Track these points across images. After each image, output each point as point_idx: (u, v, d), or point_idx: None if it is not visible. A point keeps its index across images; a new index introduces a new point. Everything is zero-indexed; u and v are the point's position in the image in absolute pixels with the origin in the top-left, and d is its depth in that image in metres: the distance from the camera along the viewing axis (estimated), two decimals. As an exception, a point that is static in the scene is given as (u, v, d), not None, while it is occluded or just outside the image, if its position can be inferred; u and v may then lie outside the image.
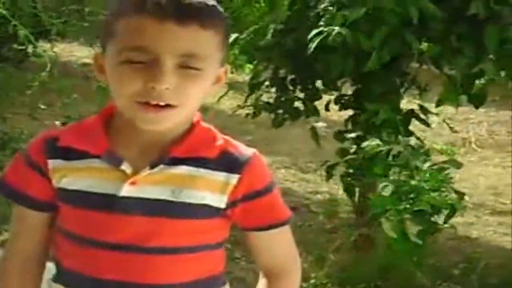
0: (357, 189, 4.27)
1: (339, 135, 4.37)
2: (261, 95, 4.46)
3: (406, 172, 3.58)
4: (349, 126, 4.31)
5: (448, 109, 5.25)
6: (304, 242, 4.49)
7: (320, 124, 4.68)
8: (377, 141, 3.66)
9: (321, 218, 5.04)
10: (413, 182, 3.49)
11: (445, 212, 3.45)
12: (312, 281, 4.05)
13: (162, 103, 1.43)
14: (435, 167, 3.59)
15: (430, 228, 3.46)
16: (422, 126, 4.30)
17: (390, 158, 3.60)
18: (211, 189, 1.51)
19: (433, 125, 4.14)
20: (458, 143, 7.14)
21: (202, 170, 1.51)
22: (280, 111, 4.42)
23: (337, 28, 3.54)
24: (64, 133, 1.56)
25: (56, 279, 1.59)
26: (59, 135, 1.54)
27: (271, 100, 4.48)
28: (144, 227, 1.49)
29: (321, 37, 3.56)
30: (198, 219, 1.51)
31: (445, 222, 3.50)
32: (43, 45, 7.16)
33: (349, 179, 4.15)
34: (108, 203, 1.49)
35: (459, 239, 4.79)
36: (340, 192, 4.96)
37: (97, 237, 1.50)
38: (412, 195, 3.40)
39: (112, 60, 1.45)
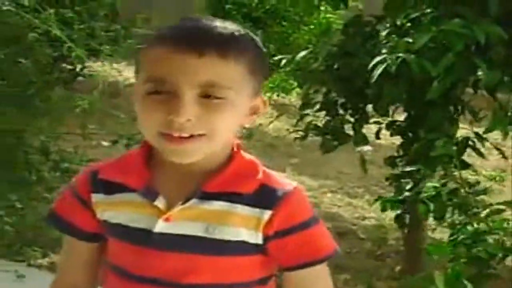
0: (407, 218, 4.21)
1: (390, 161, 4.31)
2: (311, 120, 4.42)
3: (462, 213, 3.51)
4: (401, 152, 4.26)
5: (497, 134, 5.17)
6: (351, 268, 4.45)
7: (366, 148, 4.63)
8: (435, 183, 3.59)
9: (369, 245, 4.97)
10: (470, 227, 3.41)
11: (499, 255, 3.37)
12: (361, 308, 4.00)
13: (185, 135, 1.41)
14: (492, 208, 3.51)
15: (487, 275, 3.38)
16: (469, 151, 4.22)
17: (445, 196, 3.52)
18: (246, 225, 1.47)
19: (481, 150, 4.05)
20: (508, 168, 7.03)
21: (236, 206, 1.46)
22: (329, 136, 4.38)
23: (401, 55, 3.49)
24: (105, 167, 1.56)
25: None
26: (101, 169, 1.55)
27: (320, 124, 4.44)
28: (180, 263, 1.47)
29: (385, 64, 3.51)
30: (234, 255, 1.48)
31: (495, 268, 3.41)
32: (92, 65, 7.26)
33: (399, 211, 4.09)
34: (144, 238, 1.48)
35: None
36: (388, 218, 4.90)
37: (136, 271, 1.50)
38: (468, 241, 3.32)
39: (138, 90, 1.45)
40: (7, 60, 3.81)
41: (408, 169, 3.92)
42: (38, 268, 4.08)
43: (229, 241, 1.46)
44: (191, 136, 1.41)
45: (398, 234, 4.71)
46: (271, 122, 4.57)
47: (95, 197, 1.53)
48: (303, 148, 6.53)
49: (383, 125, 4.36)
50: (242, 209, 1.46)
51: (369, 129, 4.49)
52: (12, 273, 3.73)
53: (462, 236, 3.33)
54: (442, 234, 5.24)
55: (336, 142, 4.38)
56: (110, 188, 1.52)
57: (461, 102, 4.06)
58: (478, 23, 3.42)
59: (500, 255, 3.33)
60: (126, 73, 8.70)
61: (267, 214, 1.46)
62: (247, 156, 1.53)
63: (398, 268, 4.52)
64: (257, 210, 1.46)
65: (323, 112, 4.50)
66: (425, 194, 3.53)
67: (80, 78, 7.52)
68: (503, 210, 3.52)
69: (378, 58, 3.59)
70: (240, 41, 1.45)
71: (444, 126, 3.85)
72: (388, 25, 3.85)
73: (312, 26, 7.36)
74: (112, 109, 5.90)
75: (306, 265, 1.51)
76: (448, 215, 3.51)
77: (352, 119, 4.37)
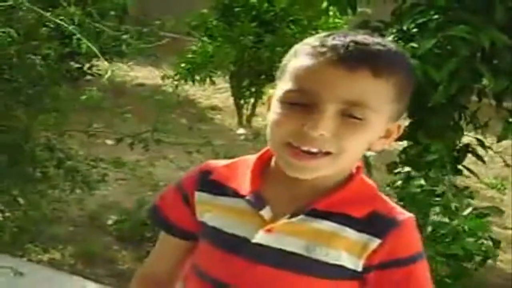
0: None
1: (392, 167, 4.31)
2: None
3: (446, 213, 3.51)
4: (403, 158, 4.26)
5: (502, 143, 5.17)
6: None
7: (369, 153, 4.62)
8: (422, 181, 3.59)
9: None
10: (453, 223, 3.42)
11: (478, 258, 3.37)
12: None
13: (313, 150, 1.36)
14: (475, 211, 3.52)
15: (461, 274, 3.39)
16: (473, 159, 4.22)
17: (433, 197, 3.52)
18: (348, 250, 1.41)
19: (484, 158, 4.05)
20: (510, 177, 7.01)
21: (345, 229, 1.41)
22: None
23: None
24: (219, 168, 1.53)
25: None
26: (214, 169, 1.53)
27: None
28: (268, 277, 1.42)
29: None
30: (328, 279, 1.42)
31: (475, 269, 3.42)
32: (99, 64, 7.27)
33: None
34: (239, 246, 1.44)
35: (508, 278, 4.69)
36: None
37: (222, 278, 1.46)
38: (448, 239, 3.33)
39: (276, 98, 1.41)
40: (18, 56, 3.82)
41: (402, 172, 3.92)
42: (38, 264, 4.10)
43: (327, 263, 1.41)
44: (318, 153, 1.36)
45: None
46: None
47: (200, 195, 1.52)
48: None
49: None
50: (350, 233, 1.41)
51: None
52: (12, 269, 3.74)
53: (442, 232, 3.34)
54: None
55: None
56: (218, 189, 1.50)
57: (467, 110, 4.06)
58: (484, 30, 3.42)
59: (480, 257, 3.34)
60: (133, 73, 8.74)
61: (376, 242, 1.40)
62: (367, 180, 1.48)
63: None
64: (366, 236, 1.41)
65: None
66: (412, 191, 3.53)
67: (87, 77, 7.55)
68: (487, 214, 3.52)
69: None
70: (394, 60, 1.40)
71: (446, 133, 3.84)
72: (394, 30, 3.85)
73: (320, 31, 7.40)
74: (118, 108, 5.91)
75: None
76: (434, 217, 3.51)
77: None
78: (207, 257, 1.50)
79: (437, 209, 3.53)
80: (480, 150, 4.10)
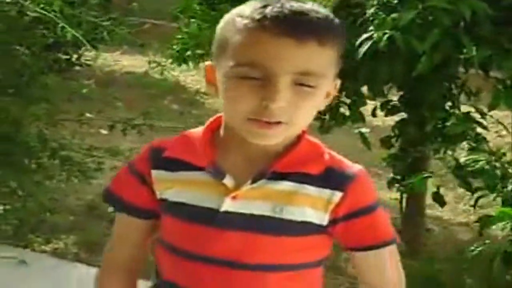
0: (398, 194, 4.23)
1: (386, 142, 4.34)
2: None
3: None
4: (396, 132, 4.29)
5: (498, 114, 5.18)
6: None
7: (363, 130, 4.64)
8: (481, 156, 3.62)
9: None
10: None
11: None
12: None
13: (273, 121, 1.40)
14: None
15: None
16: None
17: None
18: (313, 206, 1.46)
19: (478, 130, 4.06)
20: (504, 147, 7.04)
21: (304, 186, 1.46)
22: (326, 117, 4.40)
23: (388, 32, 3.50)
24: (170, 144, 1.55)
25: None
26: (165, 146, 1.55)
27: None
28: (242, 242, 1.46)
29: (371, 41, 3.52)
30: (298, 236, 1.47)
31: None
32: (87, 55, 7.27)
33: (397, 184, 4.12)
34: (208, 217, 1.47)
35: None
36: (386, 198, 4.93)
37: (196, 250, 1.48)
38: None
39: (225, 74, 1.42)
40: (1, 47, 3.81)
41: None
42: (41, 254, 4.11)
43: (294, 221, 1.46)
44: (277, 122, 1.41)
45: (396, 213, 4.74)
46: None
47: (156, 174, 1.53)
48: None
49: (378, 104, 4.38)
50: (310, 190, 1.46)
51: (365, 110, 4.51)
52: (15, 259, 3.77)
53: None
54: (441, 213, 5.29)
55: (333, 122, 4.40)
56: (175, 165, 1.51)
57: (456, 80, 4.08)
58: (464, 0, 3.44)
59: None
60: (120, 62, 8.73)
61: (338, 196, 1.46)
62: (312, 138, 1.53)
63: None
64: (327, 191, 1.46)
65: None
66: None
67: (76, 67, 7.55)
68: None
69: (365, 36, 3.60)
70: (335, 27, 1.44)
71: (443, 104, 3.86)
72: (375, 2, 3.85)
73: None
74: (109, 97, 5.93)
75: (371, 248, 1.51)
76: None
77: (348, 101, 4.39)
78: (177, 232, 1.52)
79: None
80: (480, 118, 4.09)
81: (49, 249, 4.18)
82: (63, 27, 3.76)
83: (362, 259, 1.54)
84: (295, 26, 1.38)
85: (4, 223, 4.11)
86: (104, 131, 5.22)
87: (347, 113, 4.40)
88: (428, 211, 4.97)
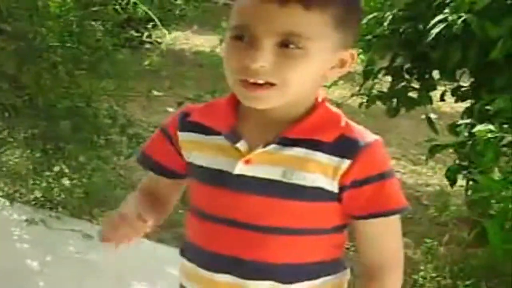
0: (464, 181, 4.16)
1: (454, 128, 4.28)
2: (375, 84, 4.40)
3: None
4: (465, 119, 4.21)
5: None
6: (414, 234, 4.44)
7: (431, 116, 4.59)
8: (490, 127, 3.53)
9: (432, 211, 4.95)
10: None
11: None
12: (422, 273, 4.00)
13: (260, 81, 1.44)
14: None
15: None
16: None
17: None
18: (323, 173, 1.49)
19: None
20: None
21: (315, 153, 1.49)
22: (394, 100, 4.35)
23: (463, 15, 3.43)
24: (196, 109, 1.62)
25: (182, 253, 1.66)
26: (193, 110, 1.62)
27: (385, 90, 4.41)
28: (257, 205, 1.51)
29: (444, 24, 3.46)
30: (309, 201, 1.51)
31: None
32: (158, 33, 7.32)
33: (456, 167, 4.04)
34: (223, 179, 1.53)
35: None
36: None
37: (216, 212, 1.55)
38: None
39: (225, 39, 1.50)
40: (78, 23, 3.87)
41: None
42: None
43: (305, 187, 1.49)
44: (265, 84, 1.44)
45: (462, 201, 4.68)
46: (329, 86, 4.53)
47: (181, 136, 1.60)
48: (366, 116, 6.51)
49: (448, 89, 4.32)
50: (321, 157, 1.49)
51: (435, 96, 4.46)
52: (80, 232, 3.83)
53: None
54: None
55: (401, 105, 4.35)
56: (197, 129, 1.58)
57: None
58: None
59: None
60: (193, 41, 8.78)
61: (346, 163, 1.48)
62: (332, 108, 1.55)
63: (462, 233, 4.50)
64: (336, 159, 1.48)
65: (388, 78, 4.47)
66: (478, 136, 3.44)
67: (147, 45, 7.63)
68: None
69: (438, 17, 3.53)
70: None
71: (509, 90, 3.77)
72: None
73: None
74: (178, 75, 5.96)
75: (376, 215, 1.53)
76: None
77: (417, 85, 4.34)
78: (199, 195, 1.59)
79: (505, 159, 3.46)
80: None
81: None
82: (135, 4, 3.80)
83: (367, 228, 1.55)
84: None
85: (71, 196, 4.18)
86: (171, 109, 5.26)
87: (416, 97, 4.35)
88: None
